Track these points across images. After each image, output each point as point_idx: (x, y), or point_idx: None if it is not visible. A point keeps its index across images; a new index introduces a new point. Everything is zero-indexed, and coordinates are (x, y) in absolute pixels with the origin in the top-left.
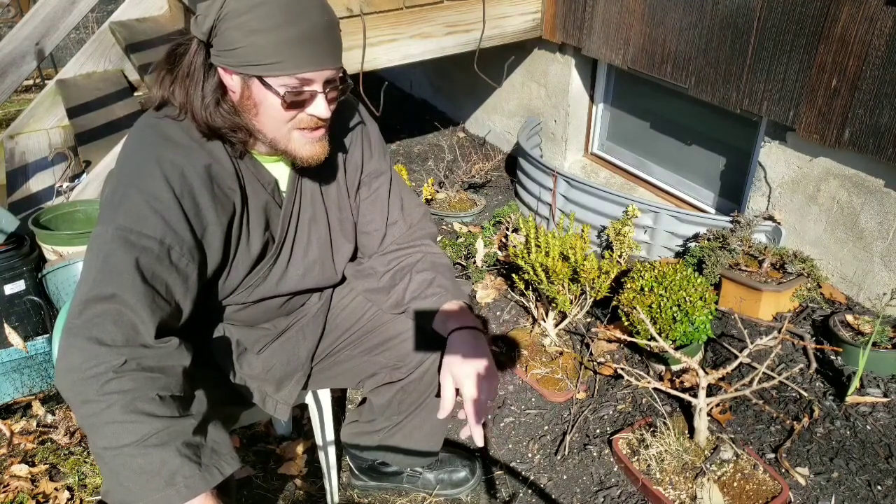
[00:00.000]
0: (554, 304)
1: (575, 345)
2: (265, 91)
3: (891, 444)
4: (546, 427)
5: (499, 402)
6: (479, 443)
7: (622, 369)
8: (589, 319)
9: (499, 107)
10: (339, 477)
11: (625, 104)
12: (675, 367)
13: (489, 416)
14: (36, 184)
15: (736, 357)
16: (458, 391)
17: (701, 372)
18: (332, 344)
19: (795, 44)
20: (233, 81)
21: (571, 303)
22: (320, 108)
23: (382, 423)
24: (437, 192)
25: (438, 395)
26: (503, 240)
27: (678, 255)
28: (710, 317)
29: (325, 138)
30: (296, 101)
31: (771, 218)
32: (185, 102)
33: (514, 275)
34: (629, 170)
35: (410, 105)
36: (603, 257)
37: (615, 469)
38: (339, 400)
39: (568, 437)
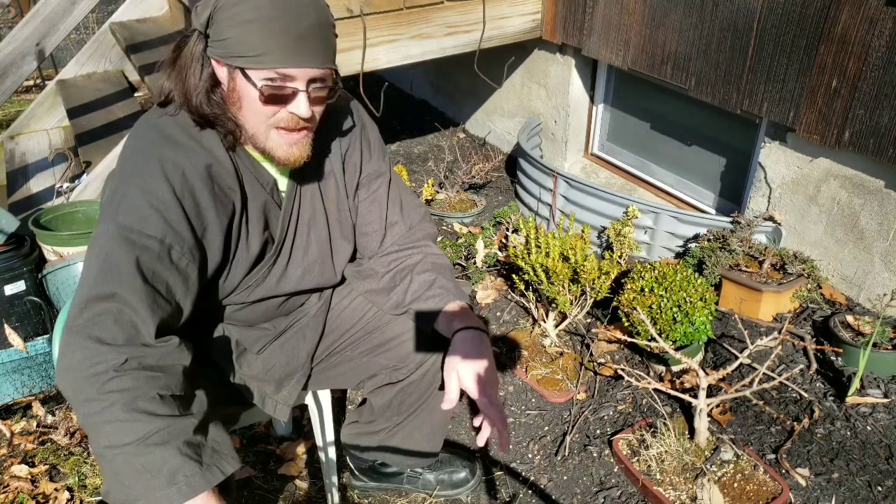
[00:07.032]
0: (554, 305)
1: (575, 345)
2: (247, 84)
3: (891, 444)
4: (546, 428)
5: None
6: (481, 442)
7: (622, 370)
8: (589, 320)
9: (499, 107)
10: (340, 478)
11: (625, 105)
12: (675, 368)
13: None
14: (36, 184)
15: (736, 358)
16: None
17: (701, 373)
18: (332, 344)
19: (796, 45)
20: (222, 72)
21: (572, 303)
22: (301, 106)
23: (382, 423)
24: (438, 192)
25: (441, 388)
26: (503, 240)
27: (678, 255)
28: (711, 317)
29: (305, 141)
30: (274, 96)
31: (771, 218)
32: (182, 91)
33: (514, 275)
34: (629, 170)
35: (410, 105)
36: (603, 258)
37: (615, 470)
38: (340, 401)
39: (568, 438)
